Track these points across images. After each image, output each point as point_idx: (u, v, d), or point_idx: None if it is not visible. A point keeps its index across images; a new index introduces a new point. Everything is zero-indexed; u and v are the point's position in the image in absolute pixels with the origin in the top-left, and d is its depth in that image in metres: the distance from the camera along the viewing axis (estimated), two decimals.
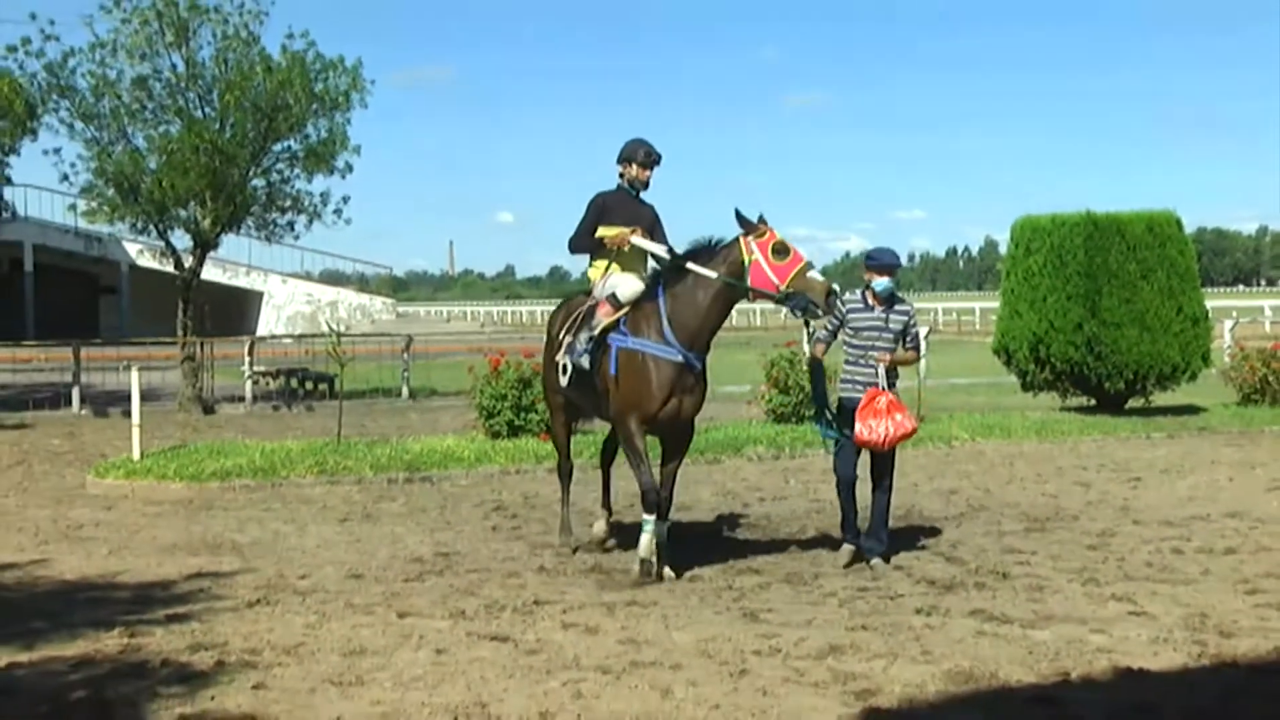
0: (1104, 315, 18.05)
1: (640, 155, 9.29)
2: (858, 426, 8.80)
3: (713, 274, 8.58)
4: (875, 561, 8.95)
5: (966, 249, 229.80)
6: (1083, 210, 18.60)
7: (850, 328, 9.05)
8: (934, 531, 10.36)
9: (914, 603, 7.91)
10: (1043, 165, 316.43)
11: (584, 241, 9.29)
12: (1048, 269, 18.56)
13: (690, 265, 8.67)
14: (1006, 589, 8.27)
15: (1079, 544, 9.76)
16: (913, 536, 10.09)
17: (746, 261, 8.52)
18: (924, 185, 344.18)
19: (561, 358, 9.17)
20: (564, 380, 9.11)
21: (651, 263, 9.19)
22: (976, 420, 17.42)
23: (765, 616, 7.63)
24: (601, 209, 9.23)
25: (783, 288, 8.42)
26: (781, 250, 8.46)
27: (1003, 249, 22.06)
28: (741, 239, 8.59)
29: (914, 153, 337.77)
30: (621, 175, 9.37)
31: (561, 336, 9.28)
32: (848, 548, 9.14)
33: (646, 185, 9.38)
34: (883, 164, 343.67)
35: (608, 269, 9.20)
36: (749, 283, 8.52)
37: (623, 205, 9.26)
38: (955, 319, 63.05)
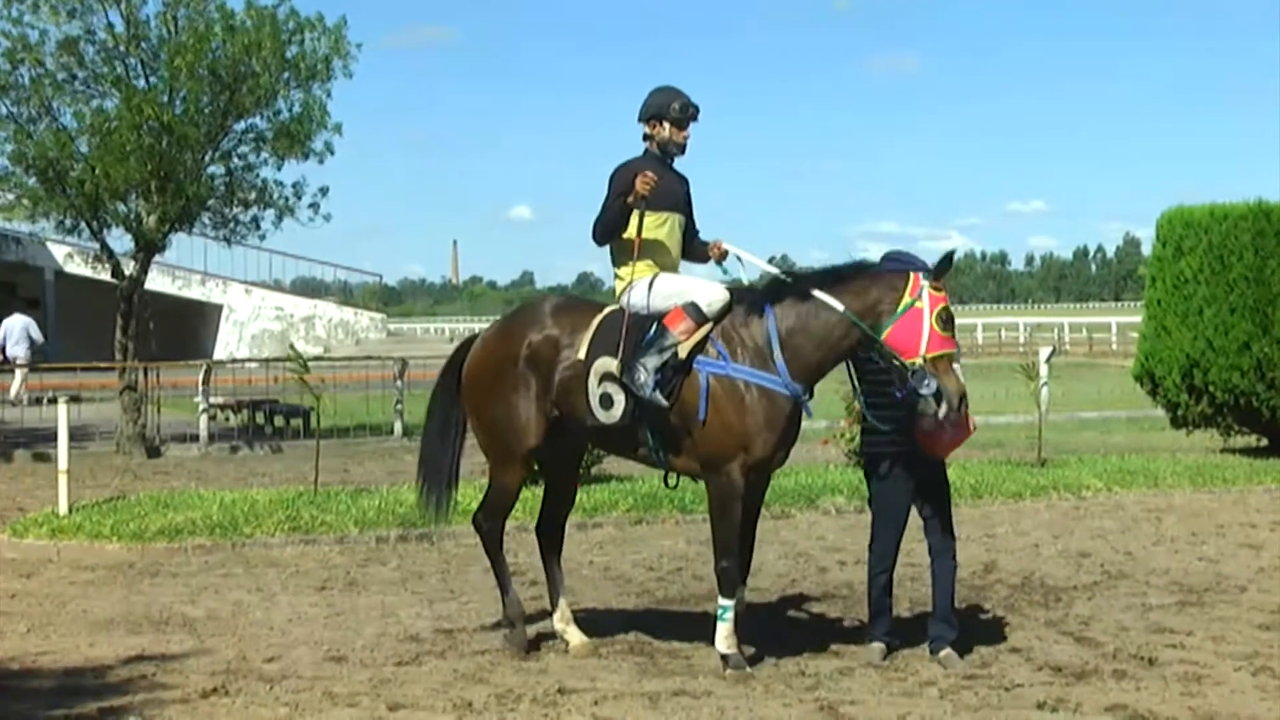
0: (1278, 332, 17.93)
1: (674, 110, 8.82)
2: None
3: (838, 306, 8.33)
4: (945, 653, 8.69)
5: (1100, 249, 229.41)
6: (1251, 199, 18.49)
7: (869, 353, 8.65)
8: (1060, 604, 10.31)
9: (1035, 694, 7.87)
10: (1199, 144, 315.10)
11: (616, 221, 8.77)
12: (1205, 273, 18.49)
13: (819, 294, 8.40)
14: (1154, 679, 8.21)
15: (1247, 623, 9.67)
16: (1033, 611, 10.05)
17: (906, 303, 8.23)
18: (1045, 170, 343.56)
19: (603, 387, 8.54)
20: (606, 416, 8.54)
21: (731, 269, 9.02)
22: (1113, 465, 17.33)
23: (846, 710, 7.61)
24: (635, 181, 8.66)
25: (923, 356, 8.13)
26: (948, 321, 8.22)
27: (1146, 249, 22.01)
28: (914, 275, 8.30)
29: (1032, 129, 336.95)
30: (649, 138, 8.95)
31: (582, 358, 8.68)
32: (878, 645, 8.84)
33: (683, 149, 8.97)
34: (992, 143, 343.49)
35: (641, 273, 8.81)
36: (886, 332, 8.23)
37: (660, 178, 8.71)
38: (1086, 337, 62.75)
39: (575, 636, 9.11)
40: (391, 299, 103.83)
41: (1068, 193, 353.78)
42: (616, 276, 8.93)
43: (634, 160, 8.89)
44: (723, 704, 7.72)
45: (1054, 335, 62.69)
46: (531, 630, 9.34)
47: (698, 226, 9.16)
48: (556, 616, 9.23)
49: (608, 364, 8.52)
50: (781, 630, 9.51)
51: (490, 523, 9.26)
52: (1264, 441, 19.21)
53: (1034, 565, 11.81)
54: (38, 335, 30.68)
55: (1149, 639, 9.16)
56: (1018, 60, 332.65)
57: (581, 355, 8.67)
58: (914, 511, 8.90)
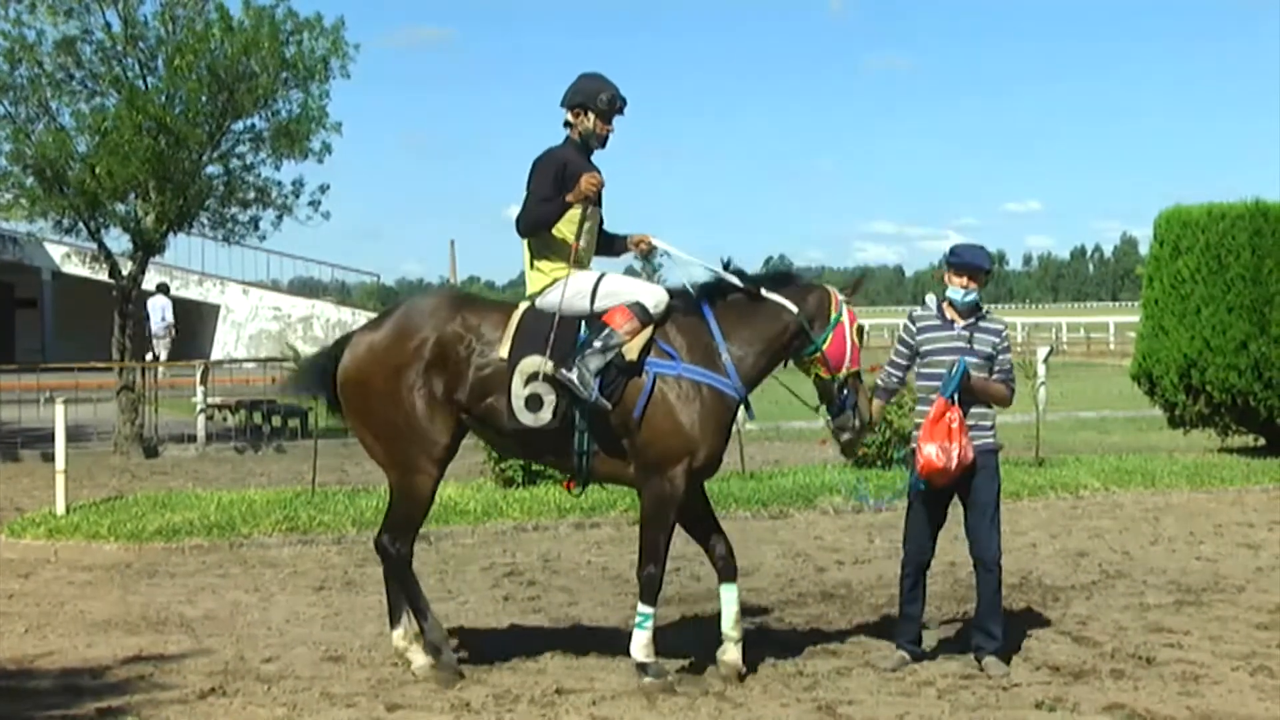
0: (1275, 331, 17.93)
1: (602, 101, 8.45)
2: (926, 449, 8.25)
3: (792, 308, 8.38)
4: (989, 661, 8.50)
5: (1098, 249, 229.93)
6: (1248, 199, 18.50)
7: (921, 353, 8.61)
8: (1058, 604, 10.30)
9: (1033, 694, 7.88)
10: (1197, 144, 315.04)
11: (553, 215, 8.33)
12: (1202, 273, 18.49)
13: (768, 294, 8.43)
14: (1152, 678, 8.21)
15: (1245, 622, 9.68)
16: (1031, 611, 10.05)
17: (834, 317, 8.41)
18: (1041, 169, 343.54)
19: (530, 388, 8.09)
20: (533, 419, 8.12)
21: (665, 265, 8.94)
22: (1111, 464, 17.33)
23: (844, 710, 7.62)
24: (563, 172, 8.35)
25: (847, 370, 8.40)
26: (860, 335, 8.50)
27: (1144, 249, 22.02)
28: (832, 293, 8.50)
29: (1028, 128, 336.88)
30: (570, 126, 8.56)
31: (504, 356, 8.16)
32: (900, 654, 8.62)
33: (604, 143, 8.60)
34: (988, 142, 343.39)
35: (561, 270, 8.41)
36: (827, 342, 8.40)
37: (583, 169, 8.40)
38: (1083, 336, 62.76)
39: (418, 657, 8.46)
40: (389, 299, 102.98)
41: (1064, 192, 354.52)
42: (536, 270, 8.47)
43: (556, 149, 8.53)
44: (721, 704, 7.73)
45: (1051, 335, 62.70)
46: (527, 630, 9.33)
47: (603, 220, 8.82)
48: (398, 635, 8.55)
49: (537, 363, 8.11)
50: (778, 630, 9.51)
51: (400, 545, 8.44)
52: (1261, 441, 19.21)
53: (1032, 565, 11.80)
54: (170, 317, 30.91)
55: (1147, 638, 9.16)
56: (1013, 59, 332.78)
57: (503, 354, 8.20)
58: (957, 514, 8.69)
